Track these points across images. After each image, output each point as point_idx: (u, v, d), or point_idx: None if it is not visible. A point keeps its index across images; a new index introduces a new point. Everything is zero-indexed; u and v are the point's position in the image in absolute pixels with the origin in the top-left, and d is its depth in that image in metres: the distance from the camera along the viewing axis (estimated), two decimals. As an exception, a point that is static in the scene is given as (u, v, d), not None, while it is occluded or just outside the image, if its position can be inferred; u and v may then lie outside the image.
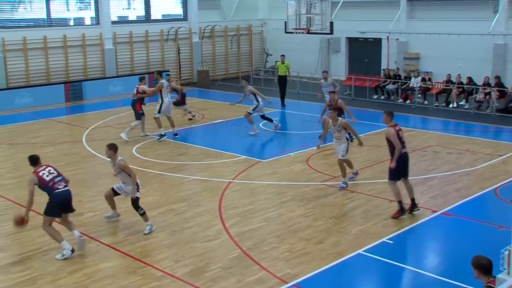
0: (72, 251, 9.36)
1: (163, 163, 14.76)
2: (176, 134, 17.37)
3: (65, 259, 9.29)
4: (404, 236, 10.13)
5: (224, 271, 8.83)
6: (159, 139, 17.02)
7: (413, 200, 11.08)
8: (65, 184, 9.58)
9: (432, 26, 23.92)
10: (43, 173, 9.48)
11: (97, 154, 15.70)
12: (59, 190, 9.41)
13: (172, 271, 8.83)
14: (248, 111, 17.62)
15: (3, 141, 17.71)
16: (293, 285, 8.39)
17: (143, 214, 10.37)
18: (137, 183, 10.28)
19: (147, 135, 17.47)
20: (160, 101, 17.09)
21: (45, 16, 24.69)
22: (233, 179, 13.34)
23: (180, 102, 19.69)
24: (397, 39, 25.75)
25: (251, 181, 13.25)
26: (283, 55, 23.51)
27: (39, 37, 23.99)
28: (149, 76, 24.81)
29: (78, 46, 25.16)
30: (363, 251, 9.46)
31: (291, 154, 15.44)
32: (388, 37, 25.57)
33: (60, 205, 9.42)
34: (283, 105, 22.46)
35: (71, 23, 26.09)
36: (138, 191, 10.30)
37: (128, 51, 26.82)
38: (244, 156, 15.18)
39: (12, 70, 23.51)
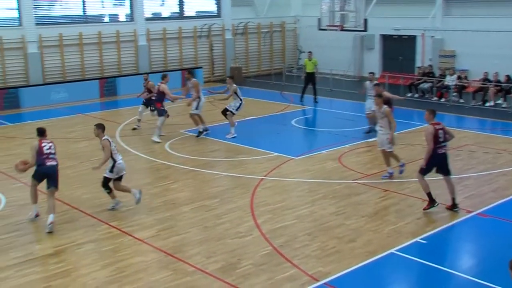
0: (36, 216, 10.84)
1: (196, 159, 14.83)
2: (206, 130, 17.30)
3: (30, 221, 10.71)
4: (438, 236, 9.96)
5: (255, 267, 8.83)
6: (197, 135, 16.98)
7: (453, 199, 10.94)
8: (55, 163, 10.79)
9: (469, 23, 23.47)
10: (45, 145, 10.71)
11: (130, 149, 15.85)
12: (46, 166, 10.58)
13: (204, 267, 8.87)
14: (232, 110, 17.05)
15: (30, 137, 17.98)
16: (324, 283, 8.34)
17: (109, 193, 11.32)
18: (114, 165, 11.11)
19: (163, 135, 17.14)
20: (198, 99, 17.05)
21: (81, 13, 25.05)
22: (265, 176, 13.33)
23: (147, 102, 18.35)
24: (432, 36, 25.36)
25: (283, 178, 13.22)
26: (310, 52, 23.57)
27: (75, 33, 24.35)
28: (182, 72, 25.03)
29: (112, 43, 25.45)
30: (395, 250, 9.35)
31: (323, 151, 15.35)
32: (423, 34, 25.21)
33: (41, 175, 10.67)
34: (315, 101, 22.37)
35: (106, 19, 26.41)
36: (111, 171, 11.12)
37: (161, 48, 27.02)
38: (276, 153, 15.14)
39: (49, 66, 23.92)
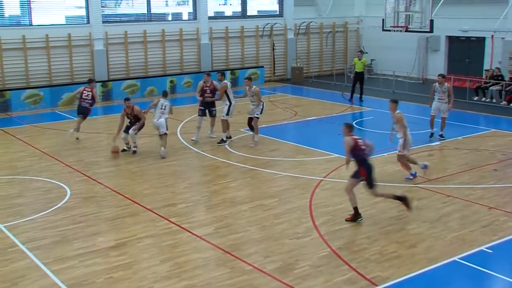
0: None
1: (255, 158, 14.84)
2: (229, 138, 16.57)
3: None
4: (505, 246, 9.57)
5: (313, 269, 8.74)
6: (220, 143, 16.21)
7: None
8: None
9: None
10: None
11: (191, 146, 16.03)
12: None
13: (261, 266, 8.84)
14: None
15: (103, 131, 18.50)
16: (383, 288, 8.18)
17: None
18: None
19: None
20: (228, 103, 16.27)
21: (145, 11, 25.55)
22: (324, 177, 13.21)
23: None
24: (503, 38, 24.46)
25: (343, 180, 13.01)
26: (360, 52, 23.74)
27: (140, 31, 24.85)
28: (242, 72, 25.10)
29: (175, 41, 25.83)
30: (458, 258, 9.05)
31: (384, 154, 15.07)
32: (492, 36, 24.37)
33: None
34: (361, 100, 22.33)
35: (170, 18, 26.84)
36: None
37: (223, 47, 27.23)
38: (336, 154, 14.97)
39: (114, 63, 24.51)
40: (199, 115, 16.69)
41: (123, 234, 10.14)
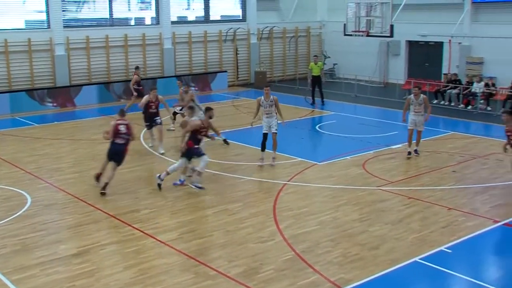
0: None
1: (219, 163, 14.84)
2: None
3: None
4: (464, 246, 9.81)
5: (277, 273, 8.79)
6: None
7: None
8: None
9: (498, 30, 23.15)
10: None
11: (154, 151, 15.94)
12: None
13: (225, 271, 8.85)
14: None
15: (65, 137, 18.24)
16: (346, 290, 8.28)
17: None
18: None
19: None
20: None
21: (107, 16, 25.31)
22: (288, 181, 13.29)
23: None
24: (459, 43, 25.07)
25: (306, 184, 13.16)
26: (316, 56, 24.20)
27: (102, 36, 24.60)
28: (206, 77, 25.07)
29: (138, 46, 25.66)
30: (419, 259, 9.23)
31: (347, 157, 15.26)
32: (450, 40, 24.94)
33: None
34: (322, 103, 22.79)
35: (132, 22, 26.65)
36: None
37: (186, 51, 27.17)
38: (299, 158, 15.09)
39: (75, 68, 24.18)
40: (148, 129, 16.27)
41: (86, 241, 10.03)
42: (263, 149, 14.49)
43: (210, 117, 12.82)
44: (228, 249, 9.68)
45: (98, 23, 25.30)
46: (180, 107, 17.56)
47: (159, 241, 10.01)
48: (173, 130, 18.14)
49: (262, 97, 14.60)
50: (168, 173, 12.75)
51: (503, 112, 11.62)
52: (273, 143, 14.42)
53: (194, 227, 10.66)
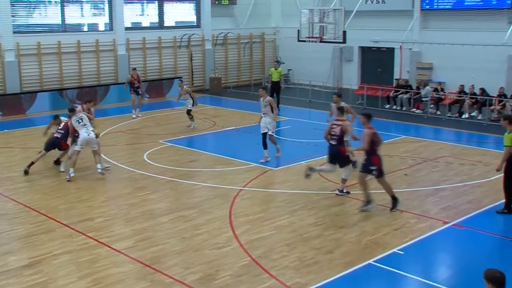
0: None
1: (174, 169, 14.78)
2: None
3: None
4: (415, 247, 10.04)
5: (233, 279, 8.81)
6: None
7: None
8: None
9: (446, 36, 23.83)
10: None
11: (108, 159, 15.75)
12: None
13: (182, 278, 8.82)
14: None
15: (16, 145, 17.84)
16: (302, 294, 8.36)
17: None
18: None
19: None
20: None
21: (59, 22, 24.89)
22: (244, 187, 13.34)
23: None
24: (410, 48, 25.68)
25: (262, 189, 13.23)
26: (276, 62, 24.39)
27: (53, 42, 24.18)
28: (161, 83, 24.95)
29: (91, 52, 25.32)
30: (373, 261, 9.40)
31: (302, 162, 15.40)
32: (401, 46, 25.52)
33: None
34: (278, 109, 22.69)
35: (85, 28, 26.28)
36: None
37: (141, 57, 26.96)
38: (255, 164, 15.17)
39: (26, 75, 23.69)
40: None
41: (38, 251, 9.82)
42: (265, 147, 15.38)
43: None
44: (184, 256, 9.65)
45: (50, 28, 24.85)
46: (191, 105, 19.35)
47: (114, 249, 9.90)
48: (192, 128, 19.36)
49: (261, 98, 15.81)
50: (317, 172, 13.04)
51: (503, 117, 12.03)
52: (273, 142, 15.51)
53: (150, 235, 10.58)
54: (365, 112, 12.35)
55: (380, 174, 11.71)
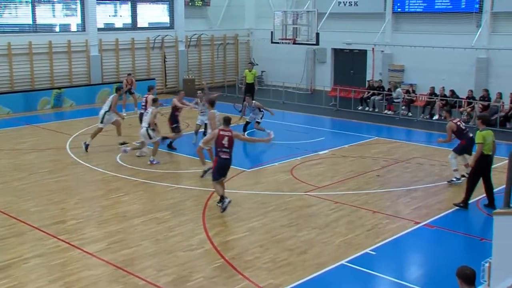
0: None
1: (148, 171, 14.71)
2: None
3: None
4: (387, 247, 10.17)
5: (207, 280, 8.81)
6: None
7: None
8: None
9: (417, 39, 24.16)
10: None
11: (80, 161, 15.60)
12: None
13: (155, 280, 8.79)
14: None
15: (-15, 147, 17.56)
16: (276, 295, 8.40)
17: None
18: None
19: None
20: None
21: (30, 22, 24.57)
22: (217, 188, 13.31)
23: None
24: (382, 51, 25.97)
25: (235, 191, 13.24)
26: (250, 63, 24.47)
27: (24, 42, 23.85)
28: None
29: (63, 53, 25.05)
30: (346, 262, 9.48)
31: (275, 164, 15.47)
32: (373, 49, 25.79)
33: None
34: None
35: (57, 29, 25.98)
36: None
37: (114, 58, 26.75)
38: (228, 165, 15.15)
39: (-4, 75, 23.35)
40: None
41: (8, 255, 9.67)
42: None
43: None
44: (157, 258, 9.61)
45: (21, 29, 24.51)
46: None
47: (86, 252, 9.82)
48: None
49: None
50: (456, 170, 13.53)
51: (478, 117, 12.97)
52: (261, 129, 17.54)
53: (123, 237, 10.51)
54: (224, 117, 12.14)
55: (212, 178, 11.82)
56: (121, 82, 23.05)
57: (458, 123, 13.87)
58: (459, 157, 13.73)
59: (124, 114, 21.50)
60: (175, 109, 16.82)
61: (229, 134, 11.65)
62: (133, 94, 23.07)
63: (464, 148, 13.66)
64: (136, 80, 26.68)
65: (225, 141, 11.62)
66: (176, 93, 17.41)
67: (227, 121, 11.88)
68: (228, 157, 11.74)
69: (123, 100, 22.24)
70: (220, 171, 11.82)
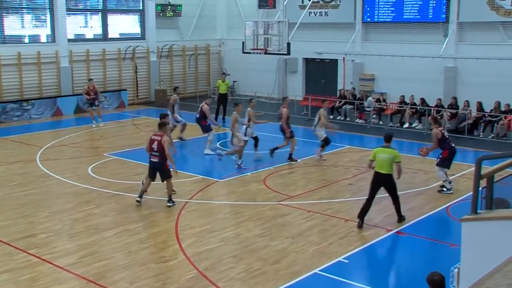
0: None
1: (119, 183, 14.59)
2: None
3: None
4: (360, 255, 10.26)
5: (180, 292, 8.77)
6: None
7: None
8: None
9: (386, 48, 24.49)
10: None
11: (51, 173, 15.41)
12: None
13: (127, 293, 8.72)
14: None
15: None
16: (249, 305, 8.39)
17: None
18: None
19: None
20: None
21: (-2, 33, 24.27)
22: (189, 199, 13.29)
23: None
24: (352, 60, 26.25)
25: (208, 201, 13.22)
26: (224, 74, 24.85)
27: (-7, 54, 23.54)
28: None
29: (33, 64, 24.76)
30: (319, 270, 9.54)
31: (248, 173, 15.49)
32: (344, 58, 26.06)
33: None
34: (224, 120, 22.94)
35: (26, 40, 25.68)
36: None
37: (84, 69, 26.52)
38: (201, 176, 15.15)
39: (-36, 87, 22.96)
40: None
41: (-23, 270, 9.51)
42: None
43: None
44: (130, 270, 9.53)
45: (-11, 40, 24.20)
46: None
47: (57, 266, 9.69)
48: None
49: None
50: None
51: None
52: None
53: (94, 250, 10.40)
54: (159, 122, 13.16)
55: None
56: (87, 91, 22.30)
57: (443, 131, 14.09)
58: (444, 169, 13.77)
59: (94, 126, 21.38)
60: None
61: (159, 139, 12.34)
62: (97, 107, 22.41)
63: (447, 159, 13.72)
64: (107, 92, 26.60)
65: (154, 145, 12.38)
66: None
67: (160, 125, 12.85)
68: (156, 160, 12.46)
69: (90, 113, 21.98)
70: (149, 171, 12.72)
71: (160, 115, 14.99)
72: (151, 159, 12.58)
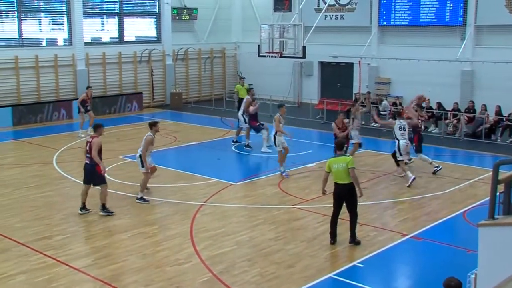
0: None
1: (134, 185, 14.63)
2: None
3: None
4: (375, 260, 10.18)
5: (194, 295, 8.77)
6: None
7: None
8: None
9: (402, 52, 24.34)
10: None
11: (67, 175, 15.51)
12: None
13: (142, 296, 8.73)
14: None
15: (-30, 162, 17.41)
16: (263, 309, 8.36)
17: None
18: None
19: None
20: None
21: (16, 36, 24.48)
22: (204, 202, 13.30)
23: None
24: (368, 64, 26.13)
25: (223, 204, 13.23)
26: (242, 78, 24.84)
27: (10, 56, 23.76)
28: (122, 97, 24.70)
29: (50, 67, 24.97)
30: (333, 275, 9.48)
31: (263, 177, 15.47)
32: (359, 61, 25.91)
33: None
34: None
35: (44, 43, 25.92)
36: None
37: (101, 73, 26.71)
38: (216, 179, 15.15)
39: (-18, 90, 23.21)
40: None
41: (-7, 272, 9.58)
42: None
43: None
44: (144, 273, 9.55)
45: (7, 43, 24.41)
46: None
47: (73, 268, 9.73)
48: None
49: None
50: None
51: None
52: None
53: (109, 252, 10.44)
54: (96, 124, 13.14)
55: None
56: (85, 98, 21.07)
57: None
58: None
59: (83, 135, 20.67)
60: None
61: (90, 141, 12.38)
62: (89, 112, 20.94)
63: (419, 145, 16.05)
64: (124, 94, 26.77)
65: (88, 147, 12.39)
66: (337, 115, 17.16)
67: (95, 127, 12.82)
68: (88, 162, 12.40)
69: (81, 119, 21.12)
70: (84, 176, 12.61)
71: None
72: (85, 161, 12.49)
